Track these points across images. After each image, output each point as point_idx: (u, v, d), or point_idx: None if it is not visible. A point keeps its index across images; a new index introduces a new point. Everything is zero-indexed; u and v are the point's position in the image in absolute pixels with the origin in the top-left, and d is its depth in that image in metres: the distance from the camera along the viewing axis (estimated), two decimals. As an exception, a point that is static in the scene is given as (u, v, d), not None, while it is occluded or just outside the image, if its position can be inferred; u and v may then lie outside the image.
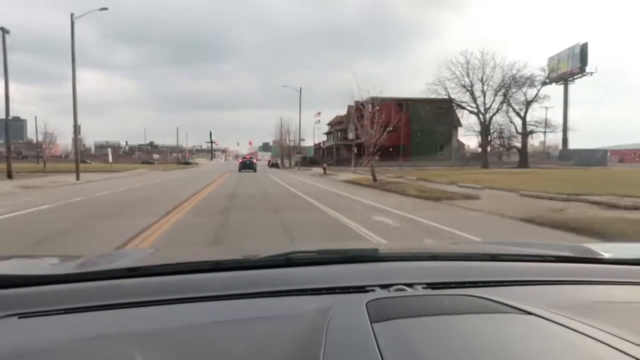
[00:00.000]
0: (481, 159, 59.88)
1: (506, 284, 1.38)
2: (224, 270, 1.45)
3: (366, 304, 1.11)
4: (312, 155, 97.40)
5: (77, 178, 31.50)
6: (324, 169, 43.25)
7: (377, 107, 68.38)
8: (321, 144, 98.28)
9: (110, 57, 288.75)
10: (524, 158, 59.11)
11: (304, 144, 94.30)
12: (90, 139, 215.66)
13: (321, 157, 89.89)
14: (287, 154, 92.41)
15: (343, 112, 70.89)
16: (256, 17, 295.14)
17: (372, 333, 0.96)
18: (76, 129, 30.54)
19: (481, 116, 59.22)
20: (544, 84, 59.56)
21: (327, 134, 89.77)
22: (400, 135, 66.02)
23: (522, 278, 1.42)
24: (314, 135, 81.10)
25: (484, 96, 59.45)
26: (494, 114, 59.97)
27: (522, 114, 59.11)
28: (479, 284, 1.35)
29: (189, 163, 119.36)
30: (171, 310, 1.20)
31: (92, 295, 1.26)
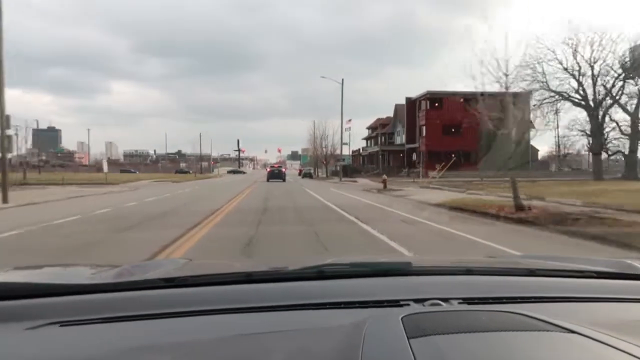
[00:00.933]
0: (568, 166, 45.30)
1: (545, 300, 1.32)
2: (257, 282, 1.42)
3: (402, 318, 1.06)
4: (350, 164, 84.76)
5: (4, 200, 18.96)
6: (384, 182, 30.29)
7: (437, 104, 53.97)
8: (360, 151, 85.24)
9: (141, 69, 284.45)
10: (633, 167, 44.78)
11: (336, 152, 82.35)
12: (121, 149, 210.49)
13: (361, 166, 76.89)
14: (322, 161, 79.61)
15: (370, 120, 58.90)
16: (283, 27, 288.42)
17: (409, 349, 0.93)
18: (2, 118, 18.17)
19: (591, 110, 44.50)
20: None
21: (368, 139, 77.36)
22: (467, 138, 52.78)
23: (561, 294, 1.35)
24: (350, 142, 66.63)
25: (594, 84, 44.76)
26: (609, 107, 45.46)
27: (630, 108, 44.69)
28: (518, 300, 1.29)
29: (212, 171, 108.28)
30: (205, 321, 1.19)
31: (129, 305, 1.26)
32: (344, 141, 63.37)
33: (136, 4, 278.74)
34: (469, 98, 58.01)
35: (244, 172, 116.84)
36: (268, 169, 57.91)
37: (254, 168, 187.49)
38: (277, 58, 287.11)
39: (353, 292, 1.33)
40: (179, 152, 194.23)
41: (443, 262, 2.07)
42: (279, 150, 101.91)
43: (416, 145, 61.00)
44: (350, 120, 78.78)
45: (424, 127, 59.11)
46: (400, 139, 68.37)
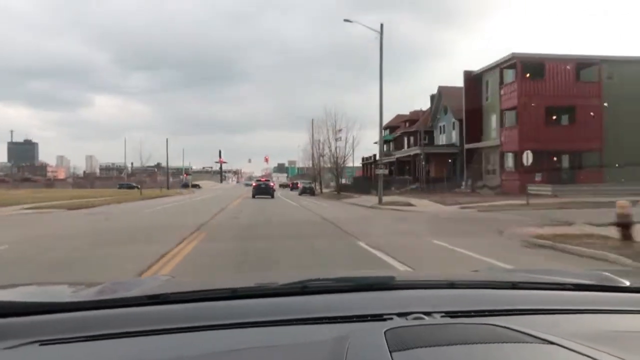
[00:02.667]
0: None
1: (527, 312, 1.32)
2: (241, 298, 1.40)
3: (385, 332, 1.06)
4: (358, 175, 64.76)
5: None
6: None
7: (529, 75, 33.58)
8: (376, 159, 64.63)
9: (124, 82, 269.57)
10: None
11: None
12: (103, 161, 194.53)
13: (375, 178, 57.30)
14: (318, 173, 59.55)
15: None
16: (268, 41, 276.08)
17: None
18: None
19: None
20: None
21: (387, 142, 57.46)
22: (580, 129, 33.24)
23: (542, 307, 1.36)
24: (353, 154, 56.37)
25: None
26: None
27: None
28: (499, 313, 1.29)
29: (186, 186, 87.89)
30: (190, 338, 1.17)
31: (112, 322, 1.24)
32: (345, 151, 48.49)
33: (120, 17, 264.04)
34: (589, 63, 30.02)
35: (198, 187, 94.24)
36: (254, 184, 47.62)
37: (237, 181, 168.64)
38: (262, 70, 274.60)
39: (337, 306, 1.31)
40: (157, 165, 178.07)
41: (427, 276, 2.05)
42: (267, 160, 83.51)
43: (485, 143, 40.07)
44: (340, 130, 61.01)
45: (510, 113, 36.67)
46: (445, 137, 48.04)
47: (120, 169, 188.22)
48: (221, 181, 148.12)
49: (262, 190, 42.82)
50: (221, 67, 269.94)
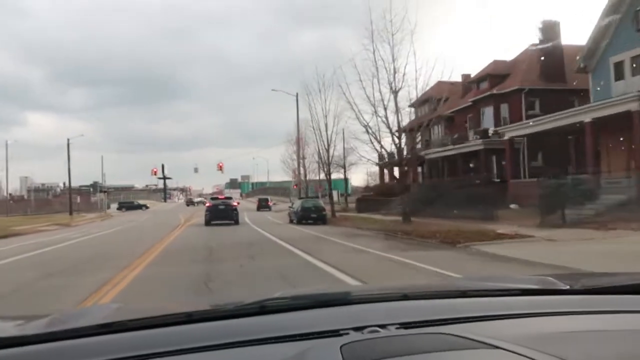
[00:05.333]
0: None
1: (475, 319, 1.33)
2: (197, 321, 1.34)
3: (340, 347, 1.06)
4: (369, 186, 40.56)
5: None
6: None
7: None
8: (396, 156, 39.99)
9: (61, 99, 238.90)
10: None
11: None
12: (40, 182, 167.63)
13: (380, 191, 33.19)
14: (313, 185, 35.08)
15: None
16: (210, 57, 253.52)
17: None
18: None
19: None
20: None
21: (403, 132, 33.36)
22: None
23: (490, 313, 1.37)
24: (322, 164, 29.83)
25: None
26: None
27: None
28: (450, 322, 1.29)
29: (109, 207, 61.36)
30: None
31: (64, 355, 1.16)
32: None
33: (51, 32, 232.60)
34: None
35: (145, 207, 69.37)
36: (208, 203, 29.85)
37: (186, 200, 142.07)
38: (207, 87, 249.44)
39: (294, 324, 1.28)
40: (93, 184, 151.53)
41: (381, 289, 2.00)
42: (220, 167, 56.44)
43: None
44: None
45: None
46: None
47: (48, 190, 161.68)
48: (165, 200, 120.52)
49: (221, 213, 27.20)
50: (164, 84, 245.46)
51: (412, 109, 32.59)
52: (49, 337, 1.25)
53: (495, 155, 27.46)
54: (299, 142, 37.32)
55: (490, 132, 27.24)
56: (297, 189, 58.45)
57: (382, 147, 23.56)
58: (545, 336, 1.16)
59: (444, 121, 34.35)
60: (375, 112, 21.43)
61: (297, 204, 27.21)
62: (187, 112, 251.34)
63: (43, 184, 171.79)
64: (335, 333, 1.20)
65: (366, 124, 21.98)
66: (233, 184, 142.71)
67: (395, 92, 20.77)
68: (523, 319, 1.34)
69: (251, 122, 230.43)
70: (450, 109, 33.56)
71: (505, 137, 24.48)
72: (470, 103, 30.69)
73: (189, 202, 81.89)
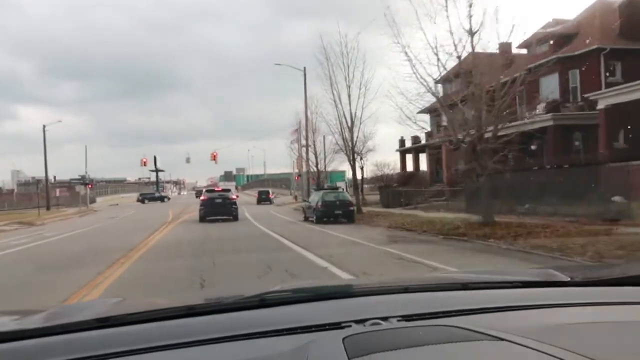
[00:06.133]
0: None
1: (477, 311, 1.31)
2: (198, 315, 1.32)
3: (343, 340, 1.05)
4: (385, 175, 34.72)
5: None
6: None
7: None
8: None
9: (52, 92, 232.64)
10: None
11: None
12: (32, 176, 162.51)
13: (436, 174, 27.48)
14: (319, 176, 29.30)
15: None
16: (202, 50, 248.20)
17: None
18: None
19: None
20: None
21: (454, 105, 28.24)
22: None
23: (492, 305, 1.35)
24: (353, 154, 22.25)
25: None
26: None
27: None
28: (452, 314, 1.27)
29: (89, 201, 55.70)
30: (146, 359, 1.11)
31: (63, 349, 1.13)
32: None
33: (40, 25, 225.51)
34: None
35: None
36: (203, 197, 24.38)
37: (179, 193, 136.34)
38: (200, 79, 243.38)
39: (295, 317, 1.27)
40: (83, 177, 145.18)
41: (382, 282, 2.05)
42: (214, 157, 49.70)
43: None
44: (296, 130, 43.52)
45: None
46: None
47: (37, 183, 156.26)
48: (157, 192, 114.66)
49: (218, 207, 22.86)
50: (157, 77, 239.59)
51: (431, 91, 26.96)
52: (47, 331, 1.23)
53: (570, 133, 21.59)
54: (307, 125, 31.62)
55: (569, 103, 21.38)
56: (299, 180, 53.08)
57: (449, 110, 16.73)
58: (547, 328, 1.15)
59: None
60: (439, 60, 15.32)
61: (316, 197, 20.92)
62: (181, 105, 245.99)
63: (33, 177, 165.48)
64: (337, 326, 1.18)
65: (432, 79, 15.57)
66: (228, 176, 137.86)
67: (471, 34, 14.79)
68: (524, 311, 1.33)
69: (245, 114, 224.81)
70: (490, 84, 27.97)
71: (600, 106, 18.70)
72: (524, 72, 24.95)
73: (199, 194, 76.11)
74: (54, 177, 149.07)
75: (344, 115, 22.29)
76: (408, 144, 33.29)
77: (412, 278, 2.36)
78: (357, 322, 1.19)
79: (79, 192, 49.64)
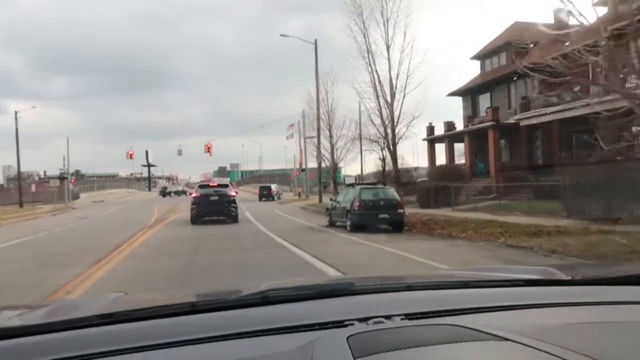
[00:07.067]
0: None
1: (480, 310, 1.31)
2: (201, 312, 1.31)
3: (347, 338, 1.04)
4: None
5: None
6: None
7: None
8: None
9: (45, 87, 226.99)
10: None
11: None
12: (24, 170, 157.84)
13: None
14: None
15: None
16: (197, 46, 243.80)
17: None
18: None
19: None
20: None
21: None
22: None
23: (494, 304, 1.35)
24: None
25: None
26: None
27: None
28: (455, 312, 1.27)
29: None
30: (148, 357, 1.09)
31: (64, 346, 1.11)
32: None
33: (31, 18, 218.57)
34: None
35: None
36: (195, 194, 19.15)
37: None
38: (194, 76, 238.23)
39: (298, 315, 1.25)
40: (76, 172, 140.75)
41: (385, 279, 1.98)
42: (208, 149, 44.94)
43: None
44: (292, 125, 43.05)
45: None
46: None
47: (27, 178, 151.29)
48: (149, 188, 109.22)
49: (213, 206, 18.05)
50: (150, 73, 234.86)
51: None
52: (48, 327, 1.21)
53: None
54: (318, 108, 26.22)
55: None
56: (299, 175, 47.67)
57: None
58: (548, 327, 1.15)
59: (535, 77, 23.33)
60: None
61: (350, 195, 14.98)
62: (174, 101, 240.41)
63: (23, 172, 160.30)
64: (340, 324, 1.17)
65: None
66: (222, 171, 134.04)
67: None
68: (526, 310, 1.32)
69: (239, 110, 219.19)
70: (542, 58, 22.67)
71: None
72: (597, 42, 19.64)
73: (173, 192, 69.44)
74: (44, 172, 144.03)
75: (380, 84, 16.87)
76: (438, 131, 27.95)
77: (415, 276, 2.38)
78: (360, 320, 1.18)
79: (54, 187, 43.81)
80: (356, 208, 13.68)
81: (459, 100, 30.17)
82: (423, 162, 56.46)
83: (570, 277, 1.59)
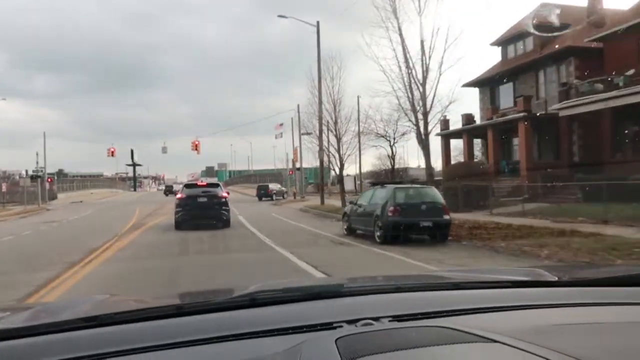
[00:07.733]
0: None
1: (469, 312, 1.29)
2: (188, 314, 1.28)
3: (336, 341, 1.02)
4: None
5: None
6: None
7: None
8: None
9: (27, 85, 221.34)
10: None
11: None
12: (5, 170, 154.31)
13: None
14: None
15: None
16: (182, 44, 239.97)
17: None
18: None
19: None
20: None
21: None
22: None
23: (483, 305, 1.33)
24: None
25: None
26: None
27: None
28: (444, 314, 1.25)
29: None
30: None
31: (47, 350, 1.07)
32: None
33: (13, 16, 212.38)
34: None
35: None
36: (179, 195, 16.06)
37: (158, 189, 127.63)
38: (180, 74, 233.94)
39: (286, 317, 1.23)
40: (59, 172, 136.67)
41: (374, 281, 1.99)
42: (196, 146, 40.46)
43: None
44: (282, 125, 41.91)
45: None
46: None
47: (8, 178, 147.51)
48: (134, 188, 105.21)
49: (202, 208, 15.19)
50: (135, 71, 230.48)
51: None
52: (32, 330, 1.18)
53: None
54: (320, 91, 22.95)
55: None
56: (292, 174, 44.52)
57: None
58: (536, 329, 1.13)
59: (572, 61, 20.27)
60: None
61: (378, 196, 11.68)
62: (161, 100, 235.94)
63: (4, 172, 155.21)
64: (328, 326, 1.15)
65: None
66: (209, 171, 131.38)
67: None
68: (514, 311, 1.31)
69: (226, 110, 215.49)
70: (575, 42, 19.71)
71: None
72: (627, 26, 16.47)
73: (169, 189, 64.25)
74: (26, 172, 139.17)
75: (411, 62, 13.51)
76: (453, 125, 24.90)
77: (404, 277, 2.34)
78: (349, 322, 1.16)
79: (24, 186, 40.16)
80: (390, 214, 10.42)
81: (473, 92, 27.15)
82: (413, 162, 53.46)
83: (557, 279, 1.57)
